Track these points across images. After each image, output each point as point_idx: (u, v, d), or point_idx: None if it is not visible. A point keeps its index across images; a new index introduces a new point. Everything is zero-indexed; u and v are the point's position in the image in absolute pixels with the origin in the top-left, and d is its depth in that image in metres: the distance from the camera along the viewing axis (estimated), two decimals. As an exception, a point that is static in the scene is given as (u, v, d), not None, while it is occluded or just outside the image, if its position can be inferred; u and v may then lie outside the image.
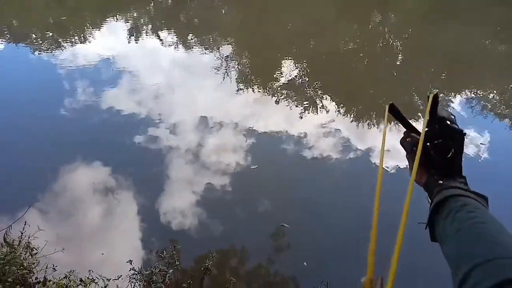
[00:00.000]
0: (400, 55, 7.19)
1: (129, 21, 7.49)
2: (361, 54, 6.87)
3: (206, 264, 2.04)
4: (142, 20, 7.80)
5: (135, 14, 7.91)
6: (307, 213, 3.04)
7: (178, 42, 6.70)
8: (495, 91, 5.71)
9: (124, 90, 4.72)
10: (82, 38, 6.53)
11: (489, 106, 5.21)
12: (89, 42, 6.35)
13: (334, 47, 7.13)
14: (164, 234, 2.65)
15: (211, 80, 5.29)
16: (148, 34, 7.14)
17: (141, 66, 5.53)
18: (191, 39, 6.90)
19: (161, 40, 6.75)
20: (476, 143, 4.34)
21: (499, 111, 5.20)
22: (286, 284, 2.49)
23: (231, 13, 8.95)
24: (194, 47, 6.54)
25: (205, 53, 6.24)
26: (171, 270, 1.79)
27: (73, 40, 6.42)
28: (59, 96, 4.46)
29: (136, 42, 6.64)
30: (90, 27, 7.07)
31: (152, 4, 8.83)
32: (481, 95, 5.53)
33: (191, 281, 2.01)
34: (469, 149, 4.23)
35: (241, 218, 2.96)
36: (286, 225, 2.78)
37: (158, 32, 7.16)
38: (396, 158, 3.94)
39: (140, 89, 4.79)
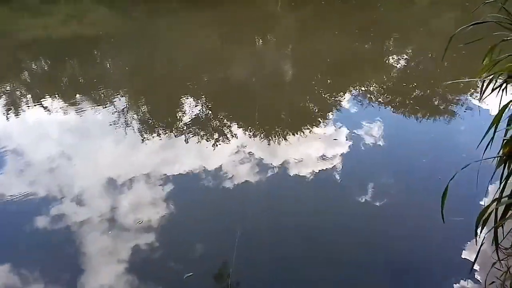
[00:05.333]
0: (286, 69, 7.70)
1: (3, 95, 6.77)
2: (253, 75, 7.19)
3: None
4: (18, 91, 7.12)
5: (8, 88, 7.18)
6: (239, 246, 2.98)
7: (65, 105, 6.24)
8: (375, 83, 6.42)
9: (12, 173, 4.18)
10: None
11: (373, 97, 5.84)
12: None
13: (227, 74, 7.34)
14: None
15: (112, 137, 5.01)
16: (29, 105, 6.52)
17: (28, 141, 5.00)
18: (80, 99, 6.48)
19: (45, 107, 6.22)
20: (370, 133, 4.79)
21: (382, 99, 5.85)
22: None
23: (117, 64, 8.69)
24: (85, 107, 6.15)
25: (99, 110, 5.91)
26: None
27: None
28: None
29: (17, 117, 6.01)
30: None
31: (25, 72, 8.13)
32: (364, 89, 6.17)
33: None
34: (367, 139, 4.64)
35: (176, 270, 2.77)
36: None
37: (41, 100, 6.59)
38: (310, 166, 4.14)
39: (30, 167, 4.30)
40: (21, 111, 6.16)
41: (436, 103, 5.78)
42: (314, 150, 4.48)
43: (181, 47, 9.31)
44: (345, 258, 2.84)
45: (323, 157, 4.30)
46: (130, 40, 10.04)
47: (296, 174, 3.98)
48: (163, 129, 5.23)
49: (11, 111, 6.15)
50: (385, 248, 2.91)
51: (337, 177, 3.95)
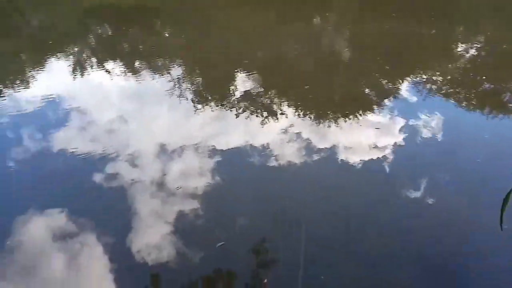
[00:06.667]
0: (343, 52, 7.44)
1: (70, 57, 7.22)
2: (308, 55, 7.04)
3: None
4: (83, 54, 7.55)
5: (75, 49, 7.64)
6: (284, 225, 3.01)
7: (126, 71, 6.53)
8: (437, 73, 6.03)
9: (74, 131, 4.51)
10: (23, 80, 6.19)
11: (435, 88, 5.50)
12: (32, 84, 6.04)
13: (281, 52, 7.25)
14: (142, 275, 2.52)
15: (166, 105, 5.20)
16: (92, 67, 6.90)
17: (90, 102, 5.32)
18: (139, 66, 6.75)
19: (107, 71, 6.55)
20: (428, 126, 4.55)
21: (444, 90, 5.50)
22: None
23: (175, 35, 8.88)
24: (143, 74, 6.40)
25: (156, 78, 6.13)
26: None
27: (13, 84, 6.08)
28: (2, 148, 4.18)
29: (82, 77, 6.40)
30: (30, 68, 6.73)
31: (91, 36, 8.57)
32: (425, 78, 5.83)
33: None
34: (424, 133, 4.42)
35: (220, 240, 2.88)
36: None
37: (103, 63, 6.95)
38: (358, 153, 4.05)
39: (91, 126, 4.60)
40: (85, 73, 6.55)
41: (503, 99, 5.34)
42: (364, 138, 4.35)
43: (238, 21, 9.29)
44: (391, 256, 2.78)
45: (373, 146, 4.17)
46: (188, 12, 10.19)
47: (343, 160, 3.92)
48: (215, 101, 5.33)
49: (76, 72, 6.56)
50: (425, 248, 2.81)
51: (385, 168, 3.83)
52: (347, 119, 4.77)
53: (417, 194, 3.38)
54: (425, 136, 4.34)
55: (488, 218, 2.66)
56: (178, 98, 5.36)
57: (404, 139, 4.32)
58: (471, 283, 2.55)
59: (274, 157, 3.94)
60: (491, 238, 2.79)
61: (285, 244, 2.83)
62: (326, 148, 4.12)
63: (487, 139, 4.36)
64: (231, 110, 5.03)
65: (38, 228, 2.96)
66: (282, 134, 4.42)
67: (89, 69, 6.71)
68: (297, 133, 4.42)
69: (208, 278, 2.59)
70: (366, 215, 3.14)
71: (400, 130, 4.49)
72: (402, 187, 3.47)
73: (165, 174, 3.66)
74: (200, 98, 5.42)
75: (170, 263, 2.70)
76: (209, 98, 5.48)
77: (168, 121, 4.82)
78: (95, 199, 3.35)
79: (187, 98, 5.36)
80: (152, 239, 2.90)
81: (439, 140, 4.29)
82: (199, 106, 5.15)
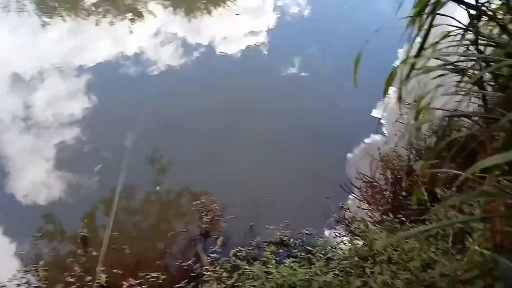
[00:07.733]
0: None
1: None
2: None
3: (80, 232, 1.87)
4: None
5: None
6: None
7: None
8: None
9: None
10: None
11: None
12: None
13: None
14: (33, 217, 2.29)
15: (4, 23, 4.25)
16: None
17: None
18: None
19: None
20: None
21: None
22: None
23: None
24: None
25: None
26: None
27: None
28: None
29: None
30: None
31: None
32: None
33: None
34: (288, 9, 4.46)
35: (106, 163, 2.69)
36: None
37: None
38: (234, 42, 3.98)
39: None
40: None
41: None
42: (238, 25, 4.24)
43: None
44: (269, 124, 2.94)
45: (248, 32, 4.13)
46: None
47: (221, 52, 3.83)
48: (66, 10, 4.50)
49: None
50: (305, 115, 3.06)
51: (262, 51, 3.88)
52: (218, 8, 4.52)
53: (292, 70, 3.58)
54: (293, 13, 4.41)
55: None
56: (16, 12, 4.39)
57: (276, 19, 4.34)
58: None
59: (151, 63, 3.65)
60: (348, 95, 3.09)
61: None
62: (204, 43, 3.95)
63: (347, 8, 4.62)
64: (88, 18, 4.34)
65: None
66: (154, 36, 4.06)
67: None
68: (171, 32, 4.10)
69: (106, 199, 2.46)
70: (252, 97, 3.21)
71: (273, 11, 4.47)
72: (280, 67, 3.59)
73: (29, 106, 3.15)
74: (47, 9, 4.52)
75: (61, 196, 2.48)
76: (58, 7, 4.60)
77: (14, 42, 3.98)
78: None
79: (28, 12, 4.42)
80: (35, 176, 2.58)
81: (306, 15, 4.42)
82: (48, 19, 4.31)
